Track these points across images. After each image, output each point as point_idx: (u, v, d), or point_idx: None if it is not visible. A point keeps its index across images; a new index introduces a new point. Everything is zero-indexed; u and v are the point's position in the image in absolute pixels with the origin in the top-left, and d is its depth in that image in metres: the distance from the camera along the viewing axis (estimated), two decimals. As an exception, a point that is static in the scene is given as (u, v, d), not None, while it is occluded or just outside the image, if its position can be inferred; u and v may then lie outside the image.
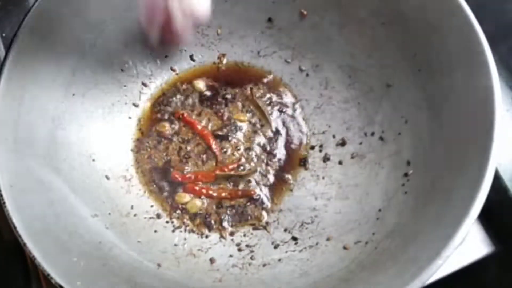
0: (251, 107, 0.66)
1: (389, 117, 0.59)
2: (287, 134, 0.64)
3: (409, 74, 0.56)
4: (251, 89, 0.66)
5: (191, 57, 0.68)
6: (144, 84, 0.66)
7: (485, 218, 0.56)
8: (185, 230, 0.58)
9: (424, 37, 0.54)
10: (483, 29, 0.47)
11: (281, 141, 0.64)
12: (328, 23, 0.63)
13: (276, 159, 0.63)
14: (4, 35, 0.69)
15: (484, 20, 0.48)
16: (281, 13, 0.65)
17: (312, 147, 0.63)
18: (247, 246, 0.57)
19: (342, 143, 0.62)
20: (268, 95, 0.66)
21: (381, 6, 0.57)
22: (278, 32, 0.66)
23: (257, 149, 0.63)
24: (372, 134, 0.60)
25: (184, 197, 0.60)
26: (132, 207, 0.59)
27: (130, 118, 0.64)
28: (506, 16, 0.64)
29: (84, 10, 0.56)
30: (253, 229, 0.58)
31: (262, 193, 0.61)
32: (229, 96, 0.66)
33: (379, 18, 0.58)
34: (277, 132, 0.64)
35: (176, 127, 0.65)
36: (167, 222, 0.59)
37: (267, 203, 0.60)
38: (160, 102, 0.66)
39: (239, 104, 0.66)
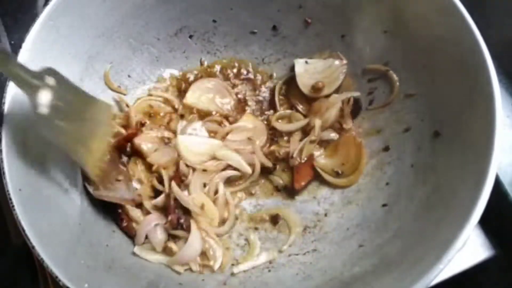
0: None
1: (391, 122, 0.59)
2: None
3: (412, 80, 0.57)
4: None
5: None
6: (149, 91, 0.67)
7: (485, 222, 0.56)
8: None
9: (426, 45, 0.54)
10: (484, 38, 0.48)
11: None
12: (332, 31, 0.63)
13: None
14: (12, 42, 0.70)
15: (484, 29, 0.49)
16: (286, 21, 0.65)
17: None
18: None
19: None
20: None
21: (384, 14, 0.58)
22: (282, 40, 0.67)
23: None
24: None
25: None
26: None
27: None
28: (507, 25, 0.65)
29: (92, 18, 0.57)
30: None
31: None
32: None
33: (382, 26, 0.59)
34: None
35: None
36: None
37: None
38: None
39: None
